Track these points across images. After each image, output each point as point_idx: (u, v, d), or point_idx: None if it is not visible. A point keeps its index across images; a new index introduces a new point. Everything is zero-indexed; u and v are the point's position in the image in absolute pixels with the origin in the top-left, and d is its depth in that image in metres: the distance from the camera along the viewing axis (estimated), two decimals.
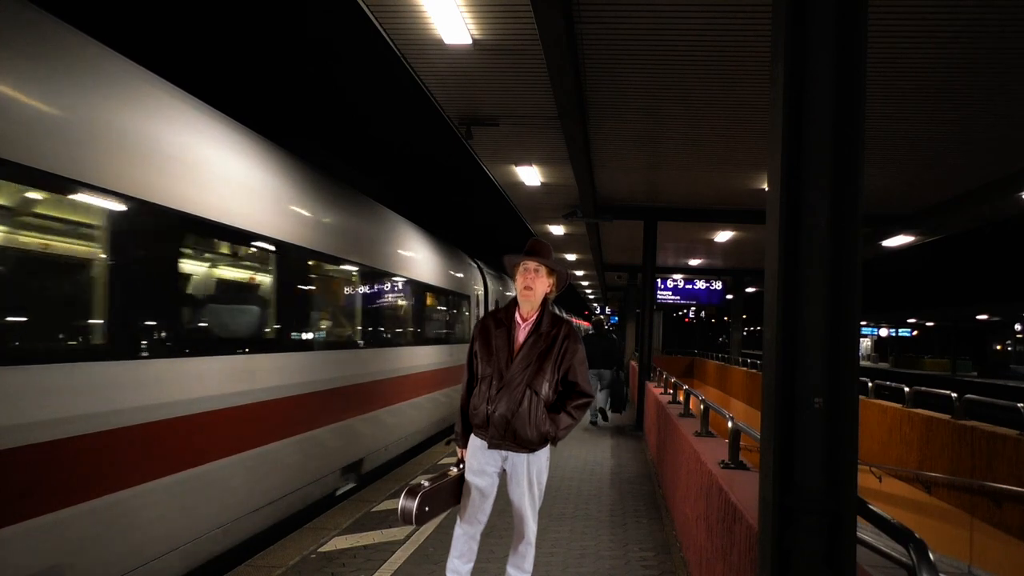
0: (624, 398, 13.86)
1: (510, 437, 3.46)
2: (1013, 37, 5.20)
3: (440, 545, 5.16)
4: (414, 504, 3.31)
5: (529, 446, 3.49)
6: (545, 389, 3.47)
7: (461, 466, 3.66)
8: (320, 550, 5.10)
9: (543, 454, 3.59)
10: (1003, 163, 8.60)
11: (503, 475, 3.62)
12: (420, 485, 3.41)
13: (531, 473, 3.54)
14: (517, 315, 3.59)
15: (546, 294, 3.62)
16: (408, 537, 5.42)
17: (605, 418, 13.20)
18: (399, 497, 6.78)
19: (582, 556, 5.06)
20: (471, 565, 3.66)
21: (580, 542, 5.40)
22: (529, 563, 3.68)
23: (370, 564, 4.81)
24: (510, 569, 3.71)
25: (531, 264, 3.56)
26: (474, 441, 3.60)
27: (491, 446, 3.51)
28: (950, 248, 49.98)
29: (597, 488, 7.35)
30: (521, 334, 3.55)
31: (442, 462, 8.57)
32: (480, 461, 3.56)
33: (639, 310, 16.97)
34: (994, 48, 5.40)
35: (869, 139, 7.64)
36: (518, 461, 3.53)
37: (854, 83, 2.17)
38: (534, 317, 3.57)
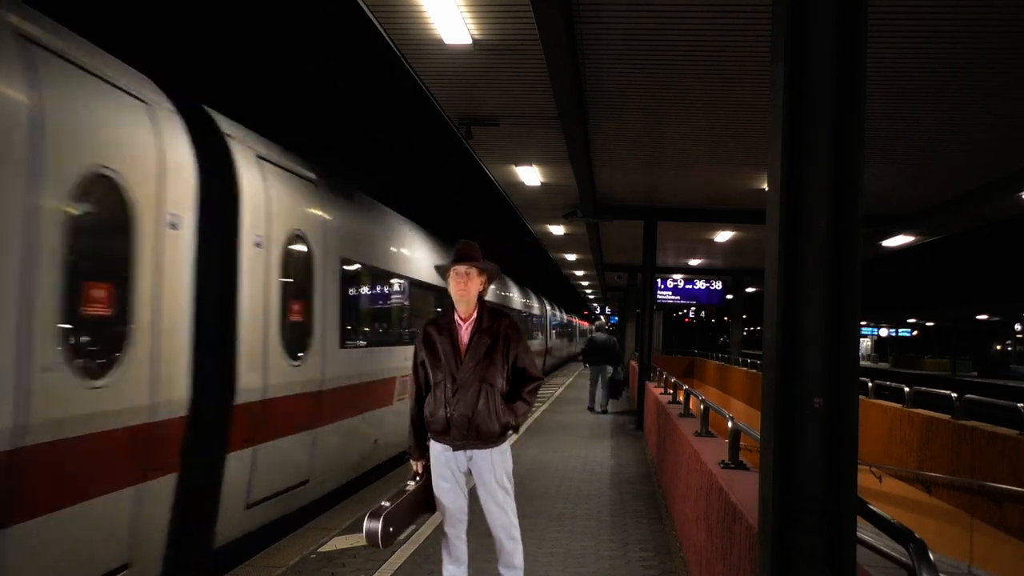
0: (620, 387, 15.39)
1: (473, 435, 3.55)
2: (1013, 37, 5.20)
3: (440, 545, 5.16)
4: (379, 525, 3.38)
5: (492, 440, 3.60)
6: (499, 381, 3.60)
7: (418, 479, 3.73)
8: (320, 550, 5.10)
9: (505, 447, 3.70)
10: (1003, 163, 8.60)
11: (468, 476, 3.70)
12: (382, 506, 3.47)
13: (496, 467, 3.64)
14: (457, 317, 3.70)
15: (479, 292, 3.74)
16: (408, 537, 5.42)
17: (605, 409, 14.77)
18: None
19: (582, 556, 5.05)
20: (465, 566, 3.75)
21: (580, 542, 5.40)
22: (518, 559, 3.73)
23: (370, 564, 4.81)
24: (501, 569, 3.75)
25: (461, 268, 3.67)
26: (435, 447, 3.67)
27: (455, 448, 3.59)
28: (950, 248, 49.94)
29: (597, 488, 7.34)
30: (465, 334, 3.66)
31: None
32: (445, 466, 3.64)
33: (639, 310, 16.94)
34: (994, 48, 5.40)
35: (869, 139, 7.64)
36: (482, 458, 3.62)
37: (854, 83, 2.17)
38: (474, 316, 3.69)
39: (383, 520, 3.39)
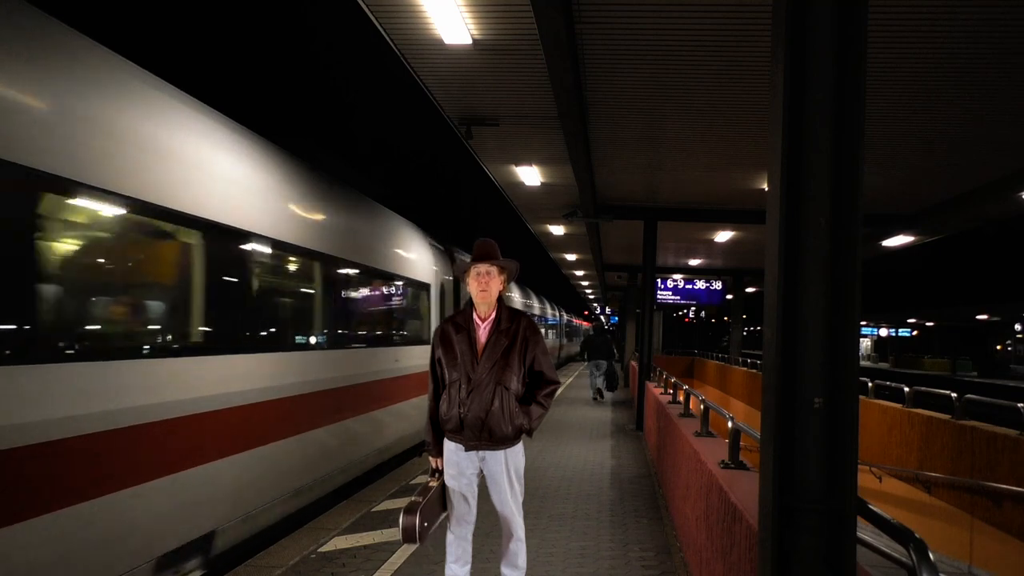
0: (615, 380, 17.40)
1: (486, 436, 3.52)
2: (1014, 37, 5.20)
3: (439, 545, 5.15)
4: (415, 520, 3.37)
5: (505, 442, 3.56)
6: (514, 383, 3.55)
7: (438, 475, 3.70)
8: (320, 550, 5.10)
9: (519, 448, 3.66)
10: (1003, 163, 8.60)
11: (481, 475, 3.67)
12: (415, 502, 3.45)
13: (509, 469, 3.61)
14: (475, 316, 3.65)
15: (500, 291, 3.70)
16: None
17: (602, 396, 17.03)
18: (399, 498, 6.79)
19: (582, 556, 5.06)
20: (468, 567, 3.72)
21: (580, 542, 5.40)
22: (522, 559, 3.72)
23: (370, 564, 4.81)
24: (504, 569, 3.73)
25: (483, 267, 3.63)
26: (448, 446, 3.64)
27: (468, 448, 3.56)
28: (950, 248, 49.98)
29: (597, 488, 7.35)
30: (483, 334, 3.61)
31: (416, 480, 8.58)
32: (458, 465, 3.61)
33: (639, 310, 17.00)
34: (994, 48, 5.40)
35: (869, 139, 7.64)
36: (495, 459, 3.59)
37: (854, 83, 2.17)
38: (492, 316, 3.64)
39: (420, 515, 3.39)
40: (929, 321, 56.44)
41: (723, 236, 15.26)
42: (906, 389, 11.28)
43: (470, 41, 5.56)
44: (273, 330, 5.83)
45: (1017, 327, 49.44)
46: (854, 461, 2.15)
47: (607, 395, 17.56)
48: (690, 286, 19.88)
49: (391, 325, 8.88)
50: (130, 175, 4.05)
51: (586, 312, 67.29)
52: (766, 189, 2.41)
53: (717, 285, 19.90)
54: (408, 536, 3.39)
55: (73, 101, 3.70)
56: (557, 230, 15.53)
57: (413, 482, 7.44)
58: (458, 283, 11.75)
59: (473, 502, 3.66)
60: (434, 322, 10.29)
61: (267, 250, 5.67)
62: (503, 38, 5.57)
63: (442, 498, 3.67)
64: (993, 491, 8.24)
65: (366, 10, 5.17)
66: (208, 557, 4.75)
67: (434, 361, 3.69)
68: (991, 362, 48.85)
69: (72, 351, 3.64)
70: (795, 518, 2.15)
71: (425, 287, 10.17)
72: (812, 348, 2.17)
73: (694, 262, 20.83)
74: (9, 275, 3.30)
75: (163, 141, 4.43)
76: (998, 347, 53.70)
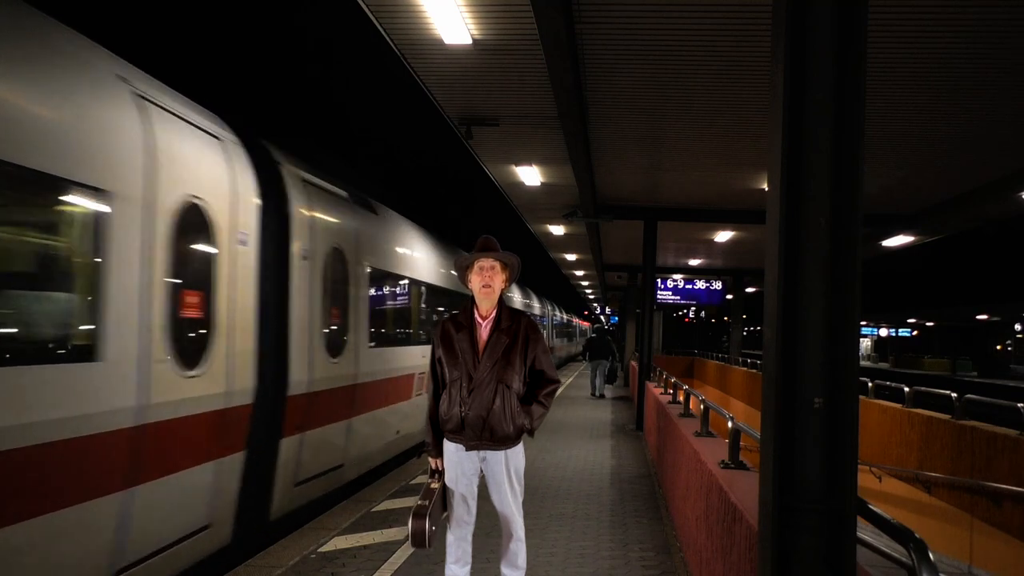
0: (615, 375, 18.74)
1: (487, 436, 3.50)
2: (1014, 37, 5.20)
3: (440, 545, 5.15)
4: (425, 525, 3.38)
5: (506, 442, 3.54)
6: (516, 382, 3.52)
7: (439, 476, 3.68)
8: (320, 550, 5.10)
9: (519, 448, 3.64)
10: (1003, 163, 8.60)
11: (481, 475, 3.66)
12: (424, 506, 3.45)
13: (510, 470, 3.60)
14: (476, 315, 3.62)
15: (502, 288, 3.67)
16: (408, 537, 5.42)
17: (601, 392, 18.03)
18: (399, 498, 6.78)
19: (582, 556, 5.05)
20: (468, 567, 3.71)
21: (580, 542, 5.40)
22: (522, 559, 3.71)
23: (370, 564, 4.81)
24: (504, 569, 3.73)
25: (486, 263, 3.59)
26: (448, 447, 3.62)
27: (468, 448, 3.54)
28: (950, 248, 49.97)
29: (597, 488, 7.35)
30: (484, 333, 3.58)
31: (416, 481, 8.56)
32: (458, 466, 3.59)
33: (639, 310, 17.02)
34: (995, 48, 5.40)
35: (869, 139, 7.64)
36: (496, 460, 3.57)
37: (854, 83, 2.17)
38: (493, 314, 3.61)
39: (429, 520, 3.39)
40: (929, 321, 56.47)
41: (723, 236, 15.26)
42: (906, 389, 11.28)
43: (470, 41, 5.56)
44: None
45: (1017, 327, 49.45)
46: (854, 461, 2.15)
47: (607, 391, 18.40)
48: (690, 286, 19.89)
49: None
50: None
51: (586, 312, 67.36)
52: (766, 189, 2.41)
53: (717, 285, 19.91)
54: (418, 541, 3.40)
55: None
56: (557, 230, 15.53)
57: (413, 482, 7.44)
58: (277, 215, 5.56)
59: (473, 503, 3.65)
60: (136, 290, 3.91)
61: None
62: (503, 38, 5.57)
63: (443, 499, 3.66)
64: (993, 491, 8.24)
65: (366, 10, 5.17)
66: None
67: (434, 361, 3.67)
68: (991, 362, 48.85)
69: None
70: (795, 518, 2.15)
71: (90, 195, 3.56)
72: (812, 348, 2.17)
73: (694, 262, 20.84)
74: None
75: None
76: (998, 347, 53.70)
